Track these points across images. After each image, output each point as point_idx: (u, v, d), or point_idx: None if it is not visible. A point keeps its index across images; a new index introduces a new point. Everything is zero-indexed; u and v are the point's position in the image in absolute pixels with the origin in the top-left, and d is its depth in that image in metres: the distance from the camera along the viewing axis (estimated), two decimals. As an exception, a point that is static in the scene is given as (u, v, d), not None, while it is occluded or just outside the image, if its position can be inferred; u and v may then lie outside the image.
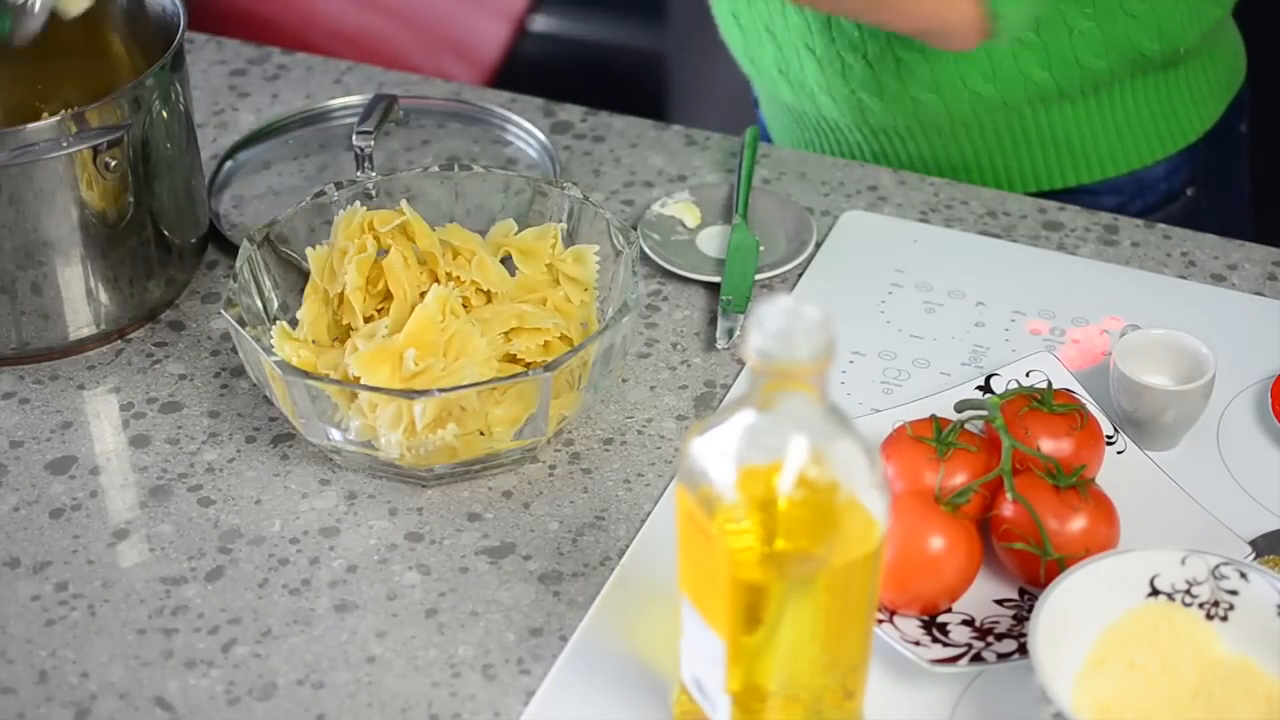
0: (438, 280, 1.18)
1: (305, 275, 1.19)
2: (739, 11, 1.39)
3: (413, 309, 1.14)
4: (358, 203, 1.20)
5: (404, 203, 1.20)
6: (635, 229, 1.32)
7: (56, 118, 1.16)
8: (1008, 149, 1.38)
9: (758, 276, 1.28)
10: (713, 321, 1.26)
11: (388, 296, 1.18)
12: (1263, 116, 1.63)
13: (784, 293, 1.28)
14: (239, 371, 1.22)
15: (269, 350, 1.11)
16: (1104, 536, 1.03)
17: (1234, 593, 0.98)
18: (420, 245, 1.18)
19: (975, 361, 1.22)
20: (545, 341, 1.15)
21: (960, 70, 1.33)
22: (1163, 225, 1.34)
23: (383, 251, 1.18)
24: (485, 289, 1.18)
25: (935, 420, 1.08)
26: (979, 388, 1.16)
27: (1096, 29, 1.32)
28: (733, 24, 1.40)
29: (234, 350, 1.23)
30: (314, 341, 1.16)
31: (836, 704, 0.94)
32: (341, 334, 1.18)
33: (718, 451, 0.89)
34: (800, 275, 1.30)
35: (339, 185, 1.22)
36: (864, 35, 1.32)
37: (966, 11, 1.22)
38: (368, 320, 1.17)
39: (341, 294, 1.17)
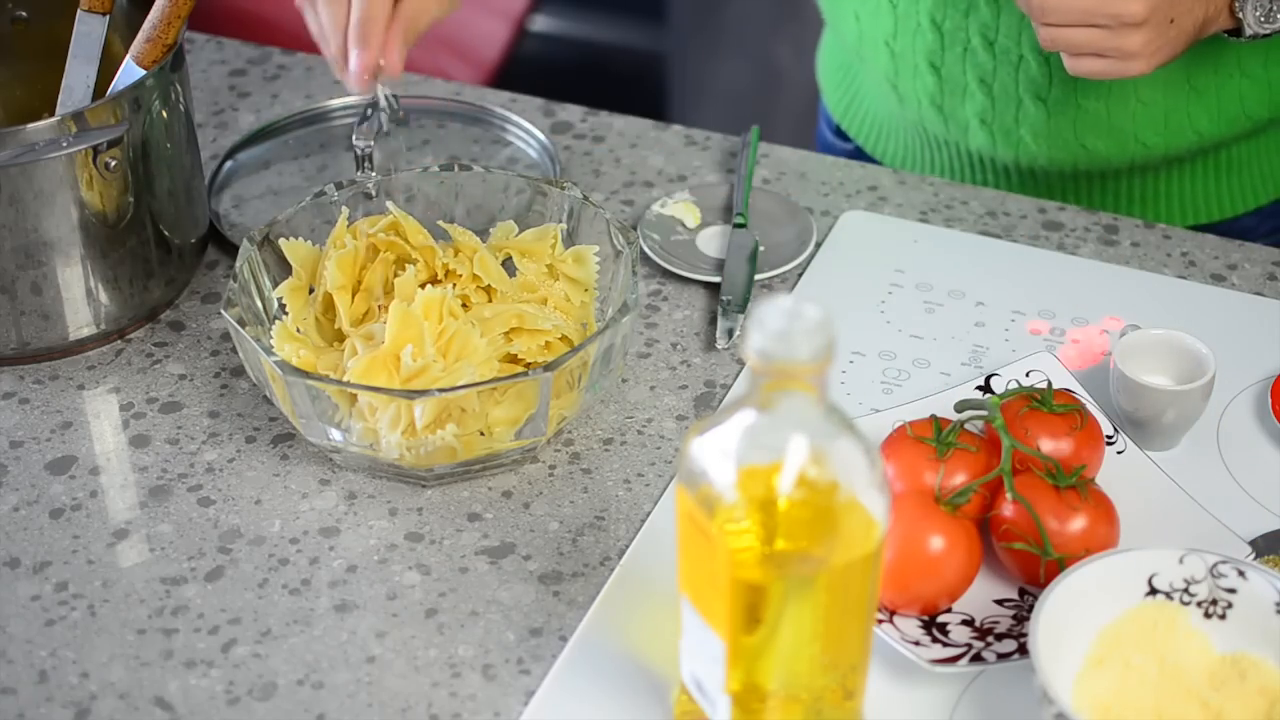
0: (435, 276, 1.18)
1: (305, 275, 1.19)
2: (940, 63, 1.35)
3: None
4: (344, 209, 1.20)
5: (390, 203, 1.20)
6: (635, 229, 1.32)
7: (56, 118, 1.16)
8: (1187, 185, 1.38)
9: (758, 276, 1.28)
10: (713, 321, 1.26)
11: (384, 293, 1.18)
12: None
13: (784, 293, 1.28)
14: (239, 371, 1.22)
15: (269, 350, 1.11)
16: (1104, 536, 1.03)
17: (1232, 591, 0.98)
18: (413, 242, 1.18)
19: (975, 361, 1.22)
20: (545, 342, 1.15)
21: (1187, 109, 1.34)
22: (1163, 225, 1.34)
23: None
24: (486, 285, 1.18)
25: (935, 420, 1.08)
26: (979, 388, 1.16)
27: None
28: (928, 72, 1.36)
29: (234, 350, 1.23)
30: (298, 329, 1.16)
31: (836, 704, 0.94)
32: (338, 336, 1.18)
33: (718, 451, 0.89)
34: (800, 275, 1.30)
35: (339, 185, 1.22)
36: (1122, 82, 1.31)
37: None
38: (362, 318, 1.17)
39: (329, 295, 1.17)
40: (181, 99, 1.24)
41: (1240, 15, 1.21)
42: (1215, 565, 0.98)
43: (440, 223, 1.22)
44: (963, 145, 1.40)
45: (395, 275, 1.18)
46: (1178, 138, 1.35)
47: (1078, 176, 1.39)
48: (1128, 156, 1.36)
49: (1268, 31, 1.22)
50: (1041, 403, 1.09)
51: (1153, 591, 0.98)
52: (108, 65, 1.24)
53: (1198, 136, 1.35)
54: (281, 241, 1.18)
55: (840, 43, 1.48)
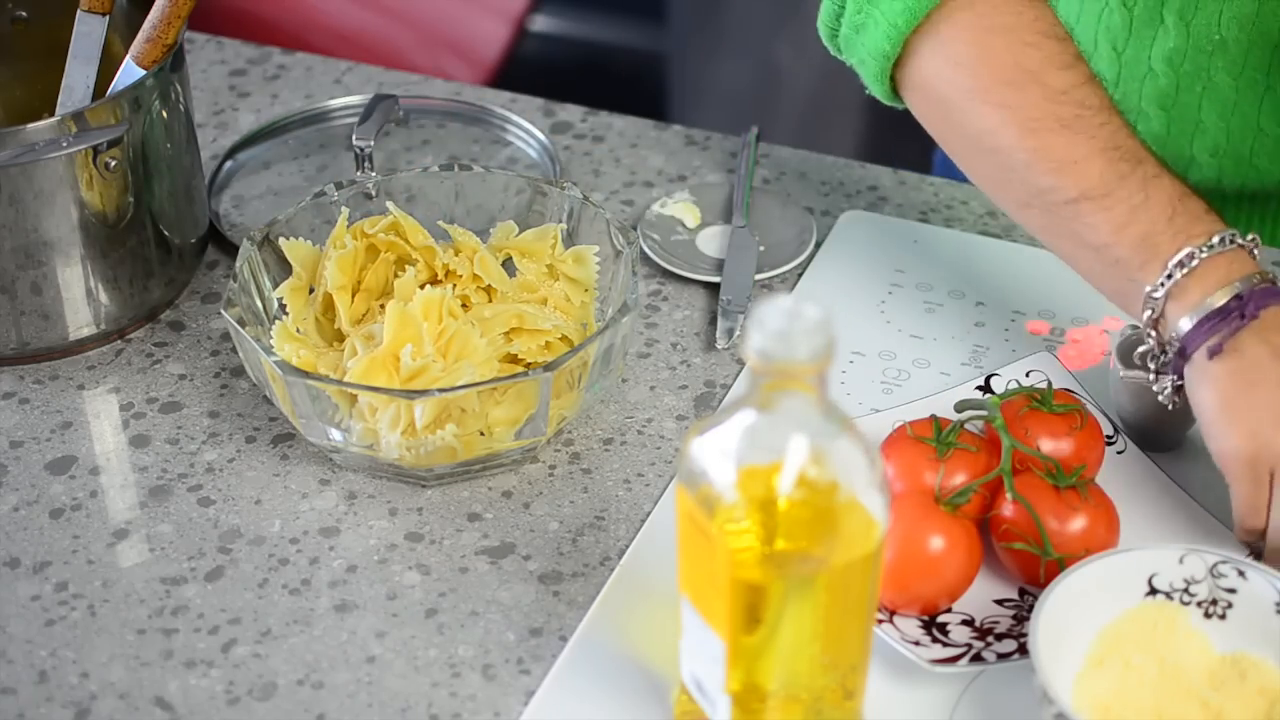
0: (435, 277, 1.18)
1: (305, 275, 1.19)
2: (1171, 105, 1.32)
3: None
4: (345, 209, 1.20)
5: (390, 204, 1.20)
6: (635, 229, 1.32)
7: (56, 118, 1.16)
8: None
9: (758, 276, 1.28)
10: (713, 321, 1.26)
11: (384, 293, 1.19)
12: None
13: (784, 293, 1.28)
14: (239, 371, 1.22)
15: (269, 350, 1.11)
16: (1104, 536, 1.03)
17: (1232, 590, 0.98)
18: (413, 242, 1.18)
19: (975, 361, 1.22)
20: (545, 342, 1.15)
21: None
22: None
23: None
24: (486, 285, 1.18)
25: (935, 420, 1.08)
26: (979, 388, 1.16)
27: None
28: (1155, 115, 1.32)
29: (234, 350, 1.23)
30: (298, 329, 1.16)
31: (836, 704, 0.94)
32: (338, 336, 1.18)
33: (718, 451, 0.89)
34: (800, 275, 1.30)
35: (339, 185, 1.22)
36: None
37: None
38: (362, 318, 1.17)
39: (329, 295, 1.17)
40: (181, 99, 1.24)
41: None
42: (1215, 565, 0.98)
43: (440, 223, 1.22)
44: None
45: (395, 275, 1.18)
46: None
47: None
48: None
49: None
50: (1041, 403, 1.09)
51: (1153, 591, 0.98)
52: (108, 65, 1.24)
53: None
54: (281, 241, 1.18)
55: None
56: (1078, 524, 1.02)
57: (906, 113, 1.19)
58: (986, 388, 1.16)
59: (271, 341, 1.13)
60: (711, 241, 1.32)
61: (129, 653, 1.05)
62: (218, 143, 1.43)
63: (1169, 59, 1.30)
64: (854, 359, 1.22)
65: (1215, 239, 1.04)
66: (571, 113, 1.46)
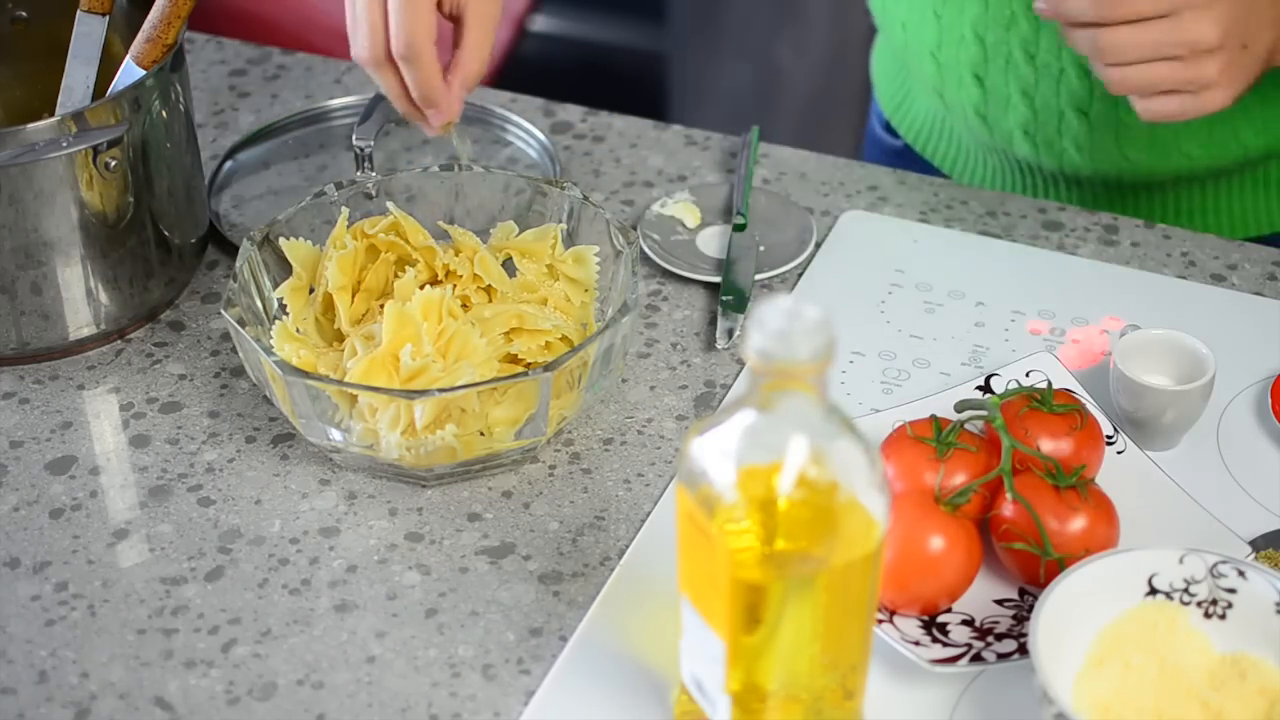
0: (435, 277, 1.18)
1: (305, 275, 1.19)
2: (984, 75, 1.34)
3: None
4: (345, 209, 1.20)
5: (390, 204, 1.20)
6: (635, 229, 1.32)
7: (56, 118, 1.16)
8: (1235, 197, 1.37)
9: (758, 276, 1.28)
10: (713, 321, 1.26)
11: (384, 293, 1.19)
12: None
13: (784, 293, 1.28)
14: (239, 371, 1.22)
15: (269, 350, 1.11)
16: (1104, 536, 1.03)
17: (1232, 591, 0.98)
18: (413, 242, 1.18)
19: (975, 361, 1.22)
20: (545, 342, 1.15)
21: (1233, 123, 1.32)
22: (1163, 225, 1.34)
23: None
24: (486, 285, 1.18)
25: (935, 420, 1.08)
26: (979, 388, 1.16)
27: None
28: (972, 84, 1.35)
29: (234, 350, 1.23)
30: (298, 329, 1.16)
31: (836, 704, 0.94)
32: (338, 336, 1.18)
33: (718, 451, 0.89)
34: (800, 275, 1.30)
35: (339, 185, 1.22)
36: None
37: None
38: (362, 318, 1.17)
39: (329, 295, 1.17)
40: (181, 99, 1.24)
41: None
42: (1215, 565, 0.98)
43: (440, 223, 1.22)
44: (1009, 153, 1.39)
45: (396, 276, 1.18)
46: (1222, 151, 1.32)
47: (1123, 187, 1.38)
48: (1171, 168, 1.34)
49: None
50: (1041, 403, 1.09)
51: (1153, 591, 0.98)
52: (108, 65, 1.24)
53: (1243, 150, 1.32)
54: (281, 241, 1.18)
55: (890, 47, 1.47)
56: (1078, 524, 1.02)
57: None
58: (986, 388, 1.16)
59: (271, 341, 1.13)
60: (711, 241, 1.32)
61: (129, 653, 1.05)
62: (218, 143, 1.43)
63: (974, 26, 1.32)
64: (854, 359, 1.22)
65: None
66: (571, 113, 1.46)
